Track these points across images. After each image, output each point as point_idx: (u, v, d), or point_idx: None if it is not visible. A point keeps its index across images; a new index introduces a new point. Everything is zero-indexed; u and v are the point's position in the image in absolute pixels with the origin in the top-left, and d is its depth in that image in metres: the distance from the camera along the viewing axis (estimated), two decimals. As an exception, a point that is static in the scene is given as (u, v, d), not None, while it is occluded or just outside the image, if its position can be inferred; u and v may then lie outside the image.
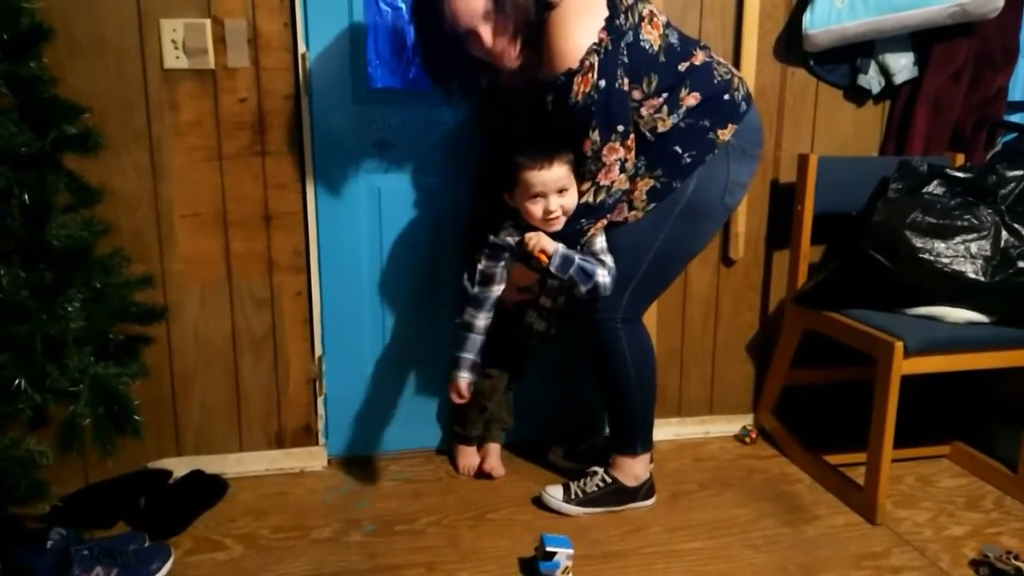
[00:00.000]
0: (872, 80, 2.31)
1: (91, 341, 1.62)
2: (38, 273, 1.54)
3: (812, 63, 2.31)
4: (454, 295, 2.24)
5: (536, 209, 1.79)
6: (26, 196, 1.49)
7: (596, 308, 1.89)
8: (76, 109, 1.62)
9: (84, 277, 1.62)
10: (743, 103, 1.84)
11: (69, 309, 1.54)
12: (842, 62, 2.32)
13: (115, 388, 1.62)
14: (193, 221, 2.04)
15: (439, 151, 2.16)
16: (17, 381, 1.48)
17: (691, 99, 1.78)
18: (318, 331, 2.18)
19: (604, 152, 1.71)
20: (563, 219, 1.80)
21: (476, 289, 1.89)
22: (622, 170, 1.75)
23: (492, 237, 1.87)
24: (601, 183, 1.75)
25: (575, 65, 1.65)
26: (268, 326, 2.15)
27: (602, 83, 1.66)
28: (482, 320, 1.90)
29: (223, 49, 1.97)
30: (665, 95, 1.76)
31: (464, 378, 1.91)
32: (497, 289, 1.90)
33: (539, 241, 1.80)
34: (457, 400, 1.94)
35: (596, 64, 1.65)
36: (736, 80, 1.84)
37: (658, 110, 1.76)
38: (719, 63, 1.84)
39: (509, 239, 1.85)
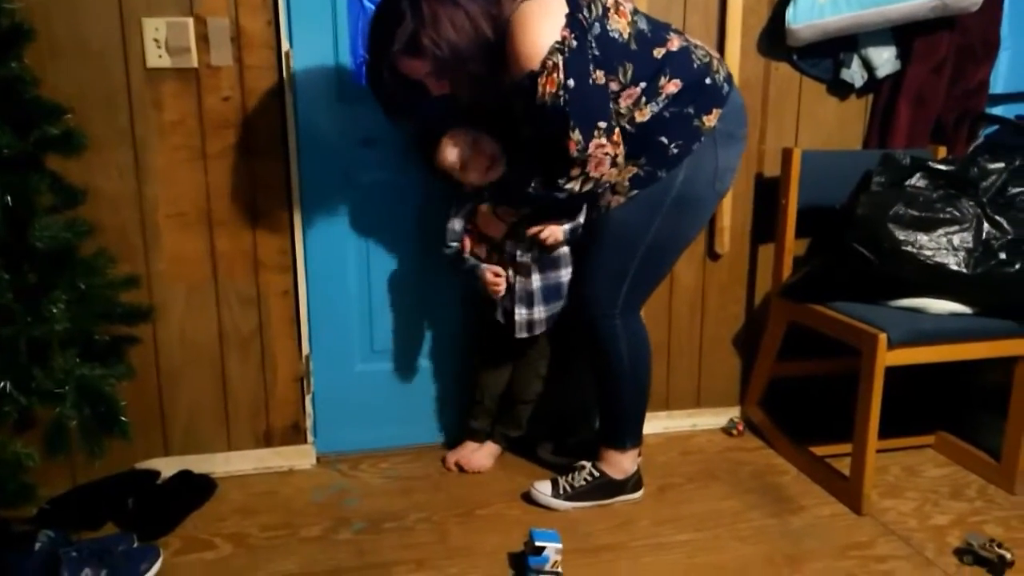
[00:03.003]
0: (855, 74, 2.33)
1: (76, 342, 1.62)
2: (22, 275, 1.54)
3: (795, 57, 2.33)
4: (440, 291, 2.25)
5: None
6: (9, 198, 1.49)
7: (594, 303, 1.89)
8: (58, 110, 1.61)
9: (68, 278, 1.62)
10: (725, 85, 1.81)
11: (54, 311, 1.54)
12: (825, 56, 2.33)
13: (101, 389, 1.62)
14: (178, 221, 2.04)
15: (424, 148, 2.15)
16: (2, 383, 1.48)
17: (671, 87, 1.74)
18: (305, 329, 2.18)
19: (592, 149, 1.69)
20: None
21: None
22: (613, 164, 1.73)
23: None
24: (591, 174, 1.72)
25: (536, 67, 1.63)
26: (255, 325, 2.14)
27: (571, 82, 1.63)
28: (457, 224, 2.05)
29: (206, 48, 1.96)
30: (643, 84, 1.73)
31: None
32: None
33: (551, 234, 1.93)
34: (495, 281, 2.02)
35: (560, 63, 1.62)
36: (715, 62, 1.81)
37: (636, 101, 1.74)
38: (696, 46, 1.81)
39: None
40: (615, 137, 1.71)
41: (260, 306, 2.13)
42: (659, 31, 1.77)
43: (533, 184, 1.79)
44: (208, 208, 2.05)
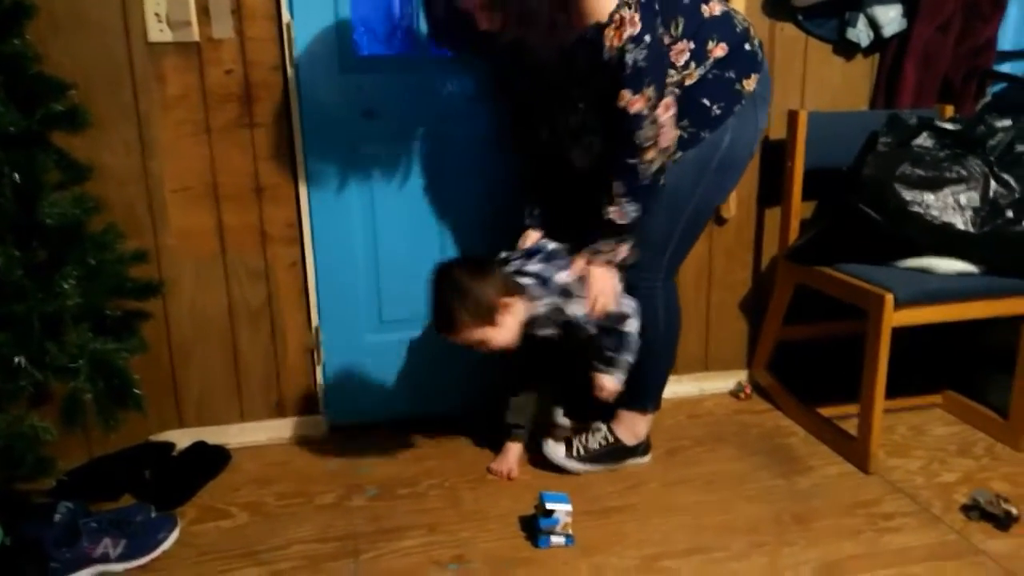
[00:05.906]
0: (861, 33, 2.30)
1: (88, 317, 1.64)
2: (32, 252, 1.55)
3: (800, 18, 2.30)
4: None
5: None
6: (16, 175, 1.50)
7: (640, 271, 1.88)
8: (62, 86, 1.61)
9: (78, 254, 1.63)
10: (759, 51, 1.83)
11: (65, 286, 1.55)
12: (831, 16, 2.30)
13: (114, 363, 1.63)
14: (184, 195, 2.04)
15: (428, 118, 2.15)
16: (17, 359, 1.50)
17: (719, 50, 1.75)
18: (314, 301, 2.19)
19: (660, 110, 1.65)
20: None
21: None
22: (673, 127, 1.71)
23: None
24: (661, 146, 1.69)
25: (604, 19, 1.57)
26: (264, 298, 2.16)
27: (647, 37, 1.58)
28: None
29: (207, 20, 1.95)
30: (692, 44, 1.72)
31: None
32: None
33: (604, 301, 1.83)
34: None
35: (628, 18, 1.56)
36: (751, 29, 1.83)
37: (686, 64, 1.72)
38: (735, 11, 1.82)
39: None
40: (670, 99, 1.70)
41: (268, 279, 2.15)
42: None
43: (614, 182, 1.74)
44: (214, 182, 2.05)
